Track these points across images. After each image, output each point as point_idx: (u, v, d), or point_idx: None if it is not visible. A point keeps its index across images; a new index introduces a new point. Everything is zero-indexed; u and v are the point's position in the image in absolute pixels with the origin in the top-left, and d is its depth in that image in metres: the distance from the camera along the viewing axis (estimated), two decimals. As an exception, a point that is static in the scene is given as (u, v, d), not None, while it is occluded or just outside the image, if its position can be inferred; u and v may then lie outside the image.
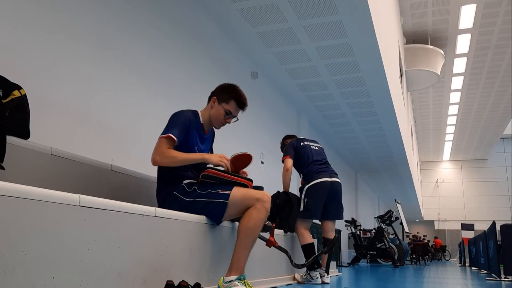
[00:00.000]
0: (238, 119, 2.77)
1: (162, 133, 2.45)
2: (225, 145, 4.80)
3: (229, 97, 2.66)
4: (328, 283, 4.07)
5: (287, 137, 4.68)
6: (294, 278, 4.07)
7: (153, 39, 4.13)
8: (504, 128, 21.88)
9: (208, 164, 2.50)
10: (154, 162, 2.43)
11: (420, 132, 23.24)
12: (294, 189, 4.36)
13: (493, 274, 6.44)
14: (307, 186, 4.15)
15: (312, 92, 7.84)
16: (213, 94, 2.73)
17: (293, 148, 4.31)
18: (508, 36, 12.86)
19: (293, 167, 4.31)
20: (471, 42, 13.62)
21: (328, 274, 4.20)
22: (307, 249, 4.04)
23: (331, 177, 4.20)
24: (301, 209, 4.13)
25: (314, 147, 4.38)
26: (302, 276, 4.06)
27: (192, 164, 2.55)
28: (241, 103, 2.69)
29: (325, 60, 6.46)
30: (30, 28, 2.78)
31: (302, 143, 4.36)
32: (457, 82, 16.70)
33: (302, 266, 3.89)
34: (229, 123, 2.73)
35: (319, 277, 4.00)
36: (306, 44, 5.96)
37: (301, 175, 4.37)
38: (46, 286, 1.36)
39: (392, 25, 9.11)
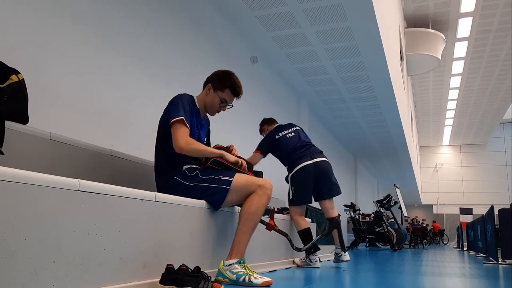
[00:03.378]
0: (233, 106, 2.77)
1: (174, 116, 2.41)
2: (225, 130, 4.80)
3: (225, 86, 2.66)
4: (348, 260, 4.13)
5: (265, 122, 4.49)
6: (293, 262, 4.11)
7: (152, 23, 4.09)
8: (504, 113, 21.86)
9: (224, 157, 2.51)
10: (178, 149, 2.40)
11: (420, 117, 23.21)
12: (282, 177, 4.33)
13: (490, 258, 6.50)
14: (290, 174, 4.10)
15: (312, 77, 7.80)
16: (208, 81, 2.71)
17: (268, 143, 4.19)
18: (510, 19, 12.74)
19: (277, 158, 4.26)
20: (472, 26, 13.51)
21: (345, 252, 4.19)
22: (304, 234, 4.06)
23: (312, 159, 4.07)
24: (290, 197, 4.11)
25: (290, 134, 4.21)
26: (301, 260, 4.10)
27: None
28: (236, 92, 2.69)
29: (325, 45, 6.41)
30: (27, 11, 2.74)
31: (277, 136, 4.19)
32: (457, 67, 16.62)
33: (303, 249, 3.92)
34: (223, 110, 2.74)
35: (318, 260, 4.04)
36: (306, 28, 5.90)
37: (285, 166, 4.26)
38: (47, 270, 1.37)
39: (393, 9, 9.02)
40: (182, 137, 2.40)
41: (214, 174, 2.47)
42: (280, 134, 4.22)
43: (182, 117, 2.41)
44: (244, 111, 6.01)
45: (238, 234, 2.39)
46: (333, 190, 4.25)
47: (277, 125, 4.41)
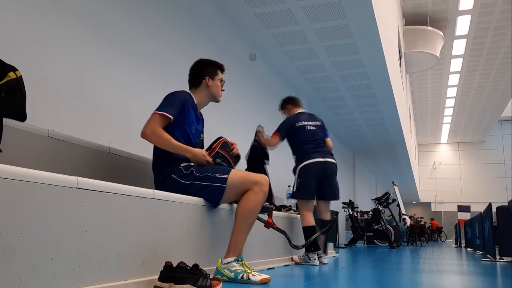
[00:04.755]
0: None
1: (157, 110, 2.46)
2: (224, 127, 4.79)
3: (215, 69, 2.81)
4: (326, 263, 4.12)
5: (289, 101, 4.48)
6: (292, 260, 4.11)
7: (151, 21, 4.08)
8: (502, 111, 21.89)
9: (193, 159, 2.51)
10: (143, 135, 2.43)
11: (419, 115, 23.23)
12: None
13: (488, 255, 6.53)
14: (299, 167, 4.11)
15: (311, 75, 7.79)
16: (201, 75, 2.76)
17: (288, 127, 4.21)
18: (508, 17, 12.75)
19: (289, 144, 4.30)
20: (471, 24, 13.50)
21: (326, 255, 4.24)
22: (307, 230, 4.05)
23: (324, 158, 4.12)
24: (294, 189, 4.13)
25: (310, 127, 4.23)
26: (300, 257, 4.10)
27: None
28: (222, 67, 2.86)
29: (324, 42, 6.40)
30: (25, 7, 2.73)
31: (298, 123, 4.21)
32: (456, 64, 16.63)
33: (301, 247, 3.93)
34: (223, 90, 2.86)
35: (317, 258, 4.04)
36: (305, 26, 5.90)
37: (294, 155, 4.30)
38: (45, 268, 1.37)
39: (392, 6, 9.01)
40: (151, 125, 2.42)
41: (209, 171, 2.46)
42: (300, 124, 4.22)
43: (164, 113, 2.42)
44: (243, 108, 6.00)
45: (235, 233, 2.39)
46: (336, 193, 4.29)
47: (300, 111, 4.37)
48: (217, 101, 2.83)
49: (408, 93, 16.67)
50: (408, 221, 14.35)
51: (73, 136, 2.56)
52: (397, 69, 9.75)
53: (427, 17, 13.46)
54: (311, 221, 4.08)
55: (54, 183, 1.44)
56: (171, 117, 2.44)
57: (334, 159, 4.24)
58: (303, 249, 4.06)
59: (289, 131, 4.21)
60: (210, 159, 2.54)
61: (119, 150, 2.91)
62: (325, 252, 4.24)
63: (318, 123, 4.34)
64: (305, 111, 4.46)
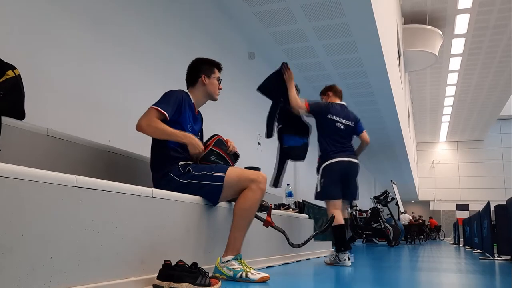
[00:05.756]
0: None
1: (154, 105, 2.47)
2: (223, 126, 4.79)
3: (212, 67, 2.81)
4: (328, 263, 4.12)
5: (331, 89, 4.39)
6: (325, 263, 4.03)
7: (150, 18, 4.07)
8: (501, 109, 21.91)
9: (189, 146, 2.51)
10: (138, 127, 2.43)
11: (417, 113, 23.24)
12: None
13: (486, 254, 6.54)
14: (323, 166, 4.03)
15: (310, 73, 7.79)
16: (197, 73, 2.76)
17: (319, 110, 4.11)
18: (507, 16, 12.75)
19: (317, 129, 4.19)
20: (469, 22, 13.51)
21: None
22: (337, 230, 3.88)
23: (348, 157, 4.05)
24: (318, 190, 4.03)
25: (340, 125, 4.10)
26: (330, 258, 4.01)
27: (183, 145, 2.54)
28: (219, 66, 2.86)
29: (323, 41, 6.40)
30: (25, 6, 2.73)
31: (330, 116, 4.10)
32: (455, 63, 16.64)
33: (299, 246, 3.92)
34: (221, 88, 2.85)
35: (347, 259, 3.88)
36: (304, 24, 5.89)
37: (318, 146, 4.16)
38: (44, 266, 1.37)
39: (391, 5, 9.01)
40: (147, 118, 2.42)
41: (206, 169, 2.46)
42: (331, 117, 4.11)
43: (159, 108, 2.43)
44: (242, 107, 6.00)
45: (233, 231, 2.39)
46: (354, 194, 4.19)
47: (337, 103, 4.27)
48: (214, 99, 2.83)
49: (407, 92, 16.68)
50: (405, 219, 14.34)
51: (72, 134, 2.55)
52: (396, 68, 9.76)
53: (426, 16, 13.46)
54: (339, 219, 3.92)
55: (53, 182, 1.44)
56: (166, 114, 2.44)
57: (357, 159, 4.15)
58: (334, 251, 3.98)
59: (319, 115, 4.12)
60: (202, 147, 2.56)
61: (118, 148, 2.91)
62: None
63: (351, 123, 4.20)
64: (345, 104, 4.32)
